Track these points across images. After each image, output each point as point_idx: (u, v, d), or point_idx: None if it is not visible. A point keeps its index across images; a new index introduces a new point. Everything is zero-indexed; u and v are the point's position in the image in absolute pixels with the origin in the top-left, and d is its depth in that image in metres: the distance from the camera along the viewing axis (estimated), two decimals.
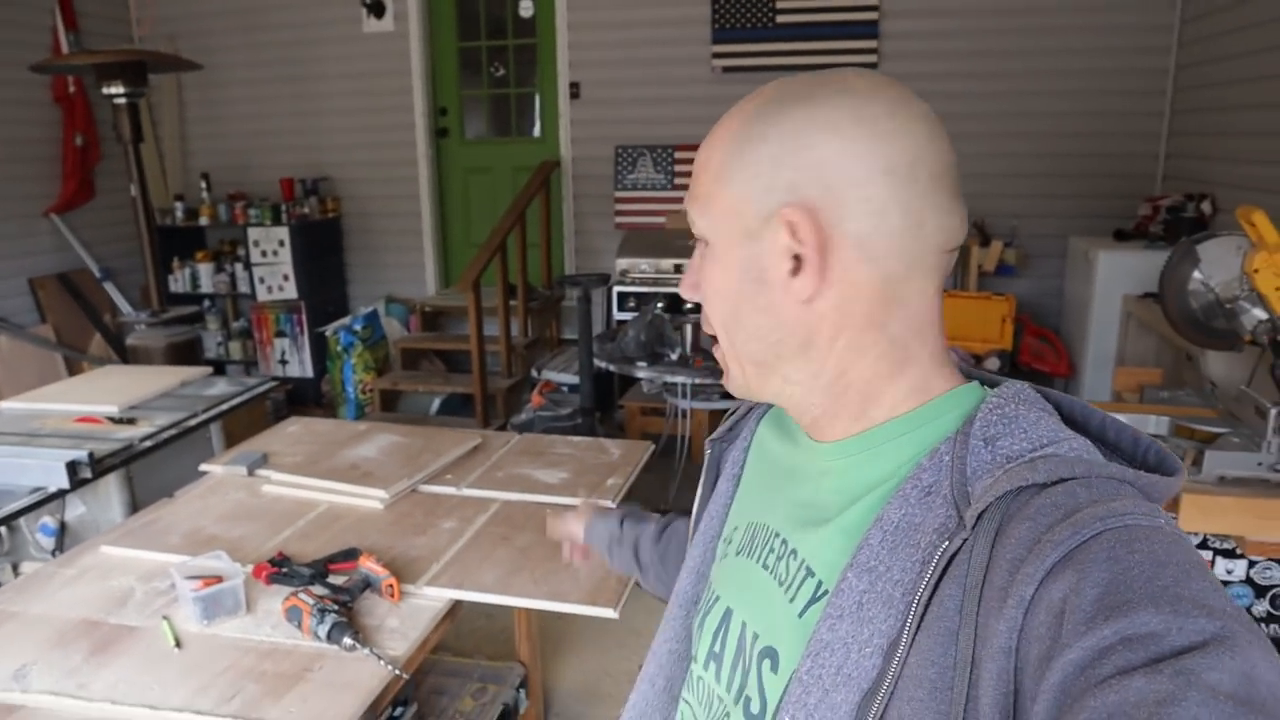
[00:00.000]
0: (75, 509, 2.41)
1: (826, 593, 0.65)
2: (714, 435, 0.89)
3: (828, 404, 0.69)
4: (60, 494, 2.26)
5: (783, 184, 0.64)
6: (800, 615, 0.66)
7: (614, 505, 1.32)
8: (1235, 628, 0.45)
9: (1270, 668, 0.44)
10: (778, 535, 0.72)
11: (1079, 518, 0.53)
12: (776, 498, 0.75)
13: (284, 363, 5.70)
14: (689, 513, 1.12)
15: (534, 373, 5.01)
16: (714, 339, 0.74)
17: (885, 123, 0.63)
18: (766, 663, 0.68)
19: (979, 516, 0.57)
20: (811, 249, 0.63)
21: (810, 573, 0.67)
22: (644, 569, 1.18)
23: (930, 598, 0.57)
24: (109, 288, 5.69)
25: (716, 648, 0.75)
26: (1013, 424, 0.62)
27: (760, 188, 0.65)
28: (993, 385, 0.69)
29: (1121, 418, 2.21)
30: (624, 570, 1.25)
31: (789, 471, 0.76)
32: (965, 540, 0.57)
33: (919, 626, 0.57)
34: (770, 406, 0.85)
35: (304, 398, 5.66)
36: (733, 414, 0.90)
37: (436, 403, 5.20)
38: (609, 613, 1.63)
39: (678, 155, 5.31)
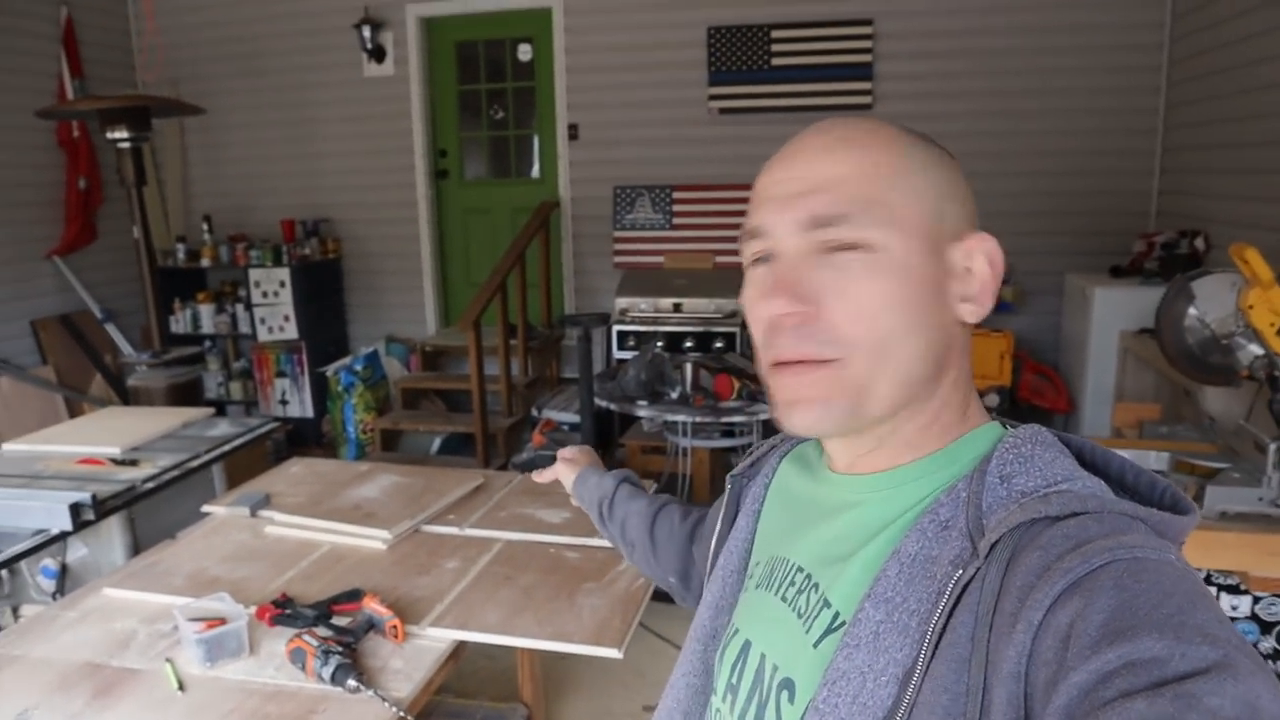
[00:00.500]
0: (77, 551, 2.41)
1: (843, 624, 0.66)
2: (735, 471, 0.90)
3: (906, 434, 0.70)
4: (62, 536, 2.26)
5: (956, 213, 0.70)
6: (815, 645, 0.68)
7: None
8: (1238, 657, 0.46)
9: (1274, 699, 0.45)
10: (800, 570, 0.74)
11: (1089, 548, 0.54)
12: (798, 533, 0.77)
13: (284, 403, 5.70)
14: (676, 498, 1.16)
15: (534, 412, 5.02)
16: (784, 365, 0.68)
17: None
18: (784, 694, 0.69)
19: (992, 546, 0.59)
20: (994, 277, 0.70)
21: (827, 604, 0.69)
22: (631, 545, 1.20)
23: (944, 626, 0.59)
24: (110, 329, 5.71)
25: (734, 679, 0.76)
26: (1029, 463, 0.64)
27: (945, 210, 0.69)
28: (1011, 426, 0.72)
29: (1123, 454, 2.21)
30: (603, 533, 1.28)
31: (811, 507, 0.77)
32: (978, 569, 0.59)
33: (933, 655, 0.59)
34: (795, 445, 0.86)
35: (305, 438, 5.66)
36: (754, 449, 0.91)
37: (437, 442, 5.20)
38: (613, 653, 1.62)
39: (676, 195, 5.36)
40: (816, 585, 0.71)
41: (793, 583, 0.74)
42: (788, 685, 0.69)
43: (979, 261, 0.70)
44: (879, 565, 0.65)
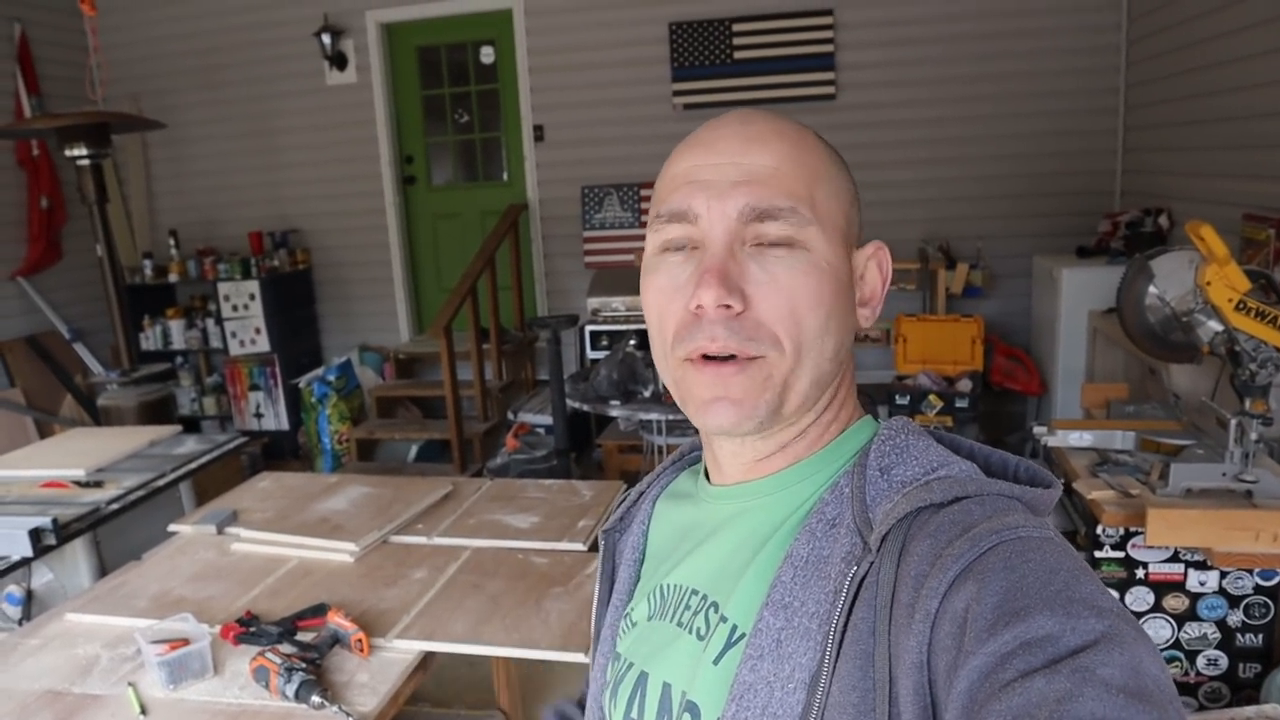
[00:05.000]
0: (42, 576, 2.38)
1: (742, 636, 0.65)
2: (607, 526, 0.85)
3: (802, 433, 0.70)
4: (25, 562, 2.22)
5: (857, 219, 0.71)
6: (716, 662, 0.66)
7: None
8: (1121, 625, 0.49)
9: (1153, 661, 0.48)
10: (695, 592, 0.72)
11: (976, 532, 0.56)
12: (687, 558, 0.74)
13: (259, 416, 5.65)
14: None
15: (510, 415, 4.99)
16: (704, 360, 0.65)
17: None
18: (687, 717, 0.67)
19: (883, 539, 0.60)
20: (883, 284, 0.72)
21: (724, 619, 0.67)
22: None
23: (845, 624, 0.59)
24: (79, 348, 5.64)
25: (633, 714, 0.73)
26: (904, 453, 0.65)
27: (852, 215, 0.70)
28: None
29: (1089, 435, 2.21)
30: None
31: (695, 531, 0.75)
32: (872, 563, 0.60)
33: (838, 655, 0.58)
34: (666, 485, 0.84)
35: (280, 451, 5.61)
36: (622, 501, 0.87)
37: (414, 450, 5.17)
38: (580, 657, 1.61)
39: (643, 193, 5.35)
40: (715, 605, 0.69)
41: (687, 606, 0.72)
42: (692, 708, 0.67)
43: (872, 268, 0.71)
44: (772, 572, 0.65)
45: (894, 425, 0.68)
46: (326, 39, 5.52)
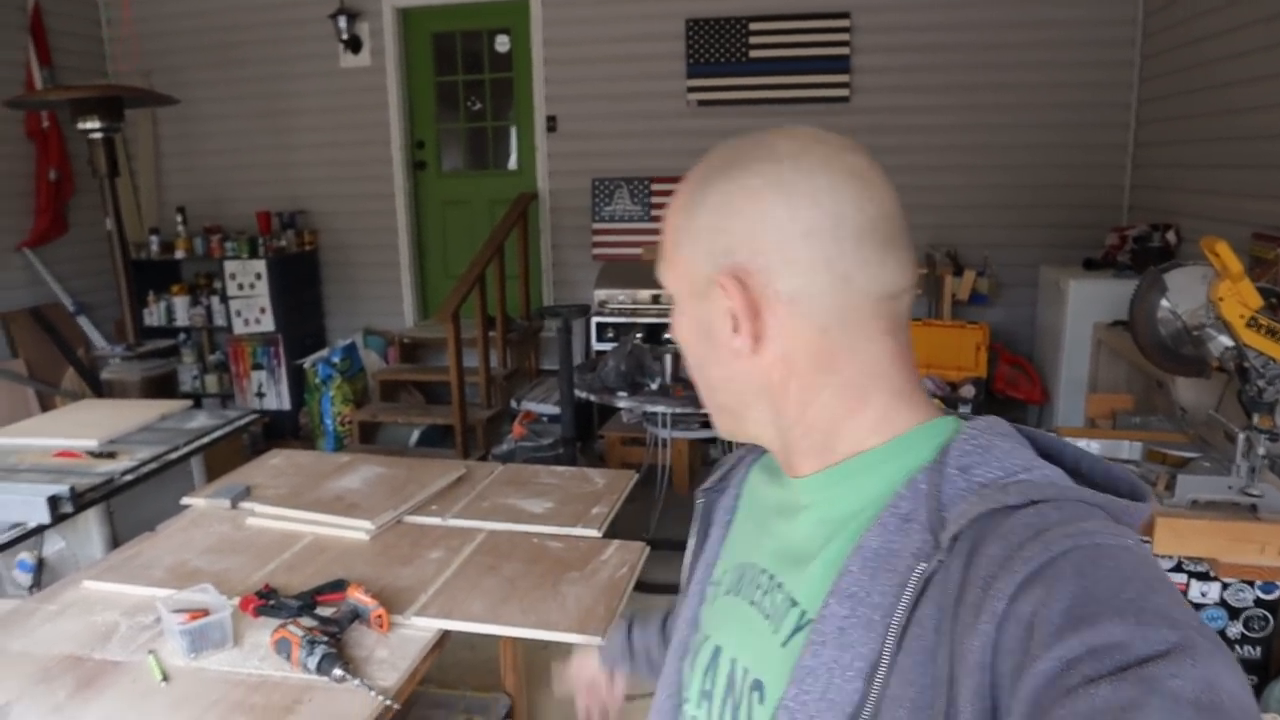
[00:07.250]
0: (54, 544, 2.39)
1: (809, 621, 0.66)
2: (705, 485, 0.89)
3: (794, 442, 0.72)
4: (40, 529, 2.24)
5: (720, 249, 0.69)
6: (784, 644, 0.68)
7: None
8: (1197, 638, 0.47)
9: (1232, 677, 0.46)
10: (765, 572, 0.74)
11: (1049, 536, 0.55)
12: (765, 537, 0.77)
13: (261, 395, 5.66)
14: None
15: (514, 403, 5.01)
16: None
17: (804, 187, 0.67)
18: (755, 694, 0.69)
19: (954, 538, 0.60)
20: (741, 310, 0.68)
21: (793, 602, 0.69)
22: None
23: (908, 619, 0.59)
24: (82, 321, 5.64)
25: (707, 685, 0.75)
26: (987, 453, 0.64)
27: (703, 252, 0.70)
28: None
29: (1095, 444, 2.24)
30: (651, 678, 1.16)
31: (776, 510, 0.77)
32: (941, 562, 0.60)
33: (898, 648, 0.59)
34: (762, 453, 0.86)
35: (281, 430, 5.62)
36: (723, 464, 0.90)
37: (415, 434, 5.18)
38: (597, 640, 1.63)
39: (654, 187, 5.37)
40: (780, 585, 0.71)
41: (759, 585, 0.74)
42: (758, 686, 0.69)
43: (721, 298, 0.69)
44: (842, 561, 0.65)
45: (980, 424, 0.67)
46: (342, 22, 5.52)
